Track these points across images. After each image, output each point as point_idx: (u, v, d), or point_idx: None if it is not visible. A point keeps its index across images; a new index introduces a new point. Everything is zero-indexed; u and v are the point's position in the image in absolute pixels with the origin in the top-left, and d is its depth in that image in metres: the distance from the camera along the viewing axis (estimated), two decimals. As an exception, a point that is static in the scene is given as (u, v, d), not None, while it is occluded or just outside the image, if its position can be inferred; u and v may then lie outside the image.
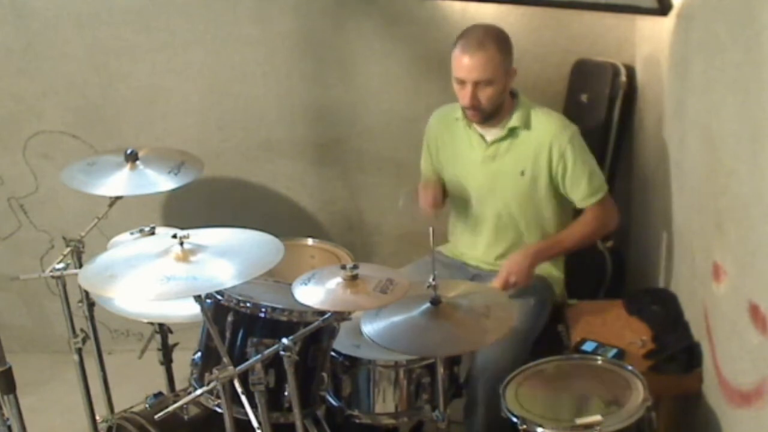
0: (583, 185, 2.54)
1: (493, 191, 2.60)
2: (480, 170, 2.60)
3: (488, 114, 2.49)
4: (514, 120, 2.53)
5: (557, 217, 2.64)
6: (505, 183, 2.58)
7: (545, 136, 2.51)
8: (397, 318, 2.05)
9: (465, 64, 2.41)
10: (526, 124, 2.53)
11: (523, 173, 2.54)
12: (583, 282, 3.00)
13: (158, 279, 1.80)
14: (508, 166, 2.56)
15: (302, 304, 1.96)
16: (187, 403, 2.15)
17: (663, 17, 2.61)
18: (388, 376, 2.29)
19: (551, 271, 2.68)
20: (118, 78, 3.30)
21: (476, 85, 2.42)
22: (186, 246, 1.88)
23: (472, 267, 2.72)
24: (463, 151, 2.64)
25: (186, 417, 2.31)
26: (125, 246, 2.17)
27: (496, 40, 2.42)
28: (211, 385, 1.88)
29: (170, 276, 1.81)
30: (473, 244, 2.71)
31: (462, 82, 2.44)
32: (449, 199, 2.76)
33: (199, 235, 1.94)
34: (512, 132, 2.54)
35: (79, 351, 2.54)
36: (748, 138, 1.84)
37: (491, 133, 2.57)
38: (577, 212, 2.67)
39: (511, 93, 2.56)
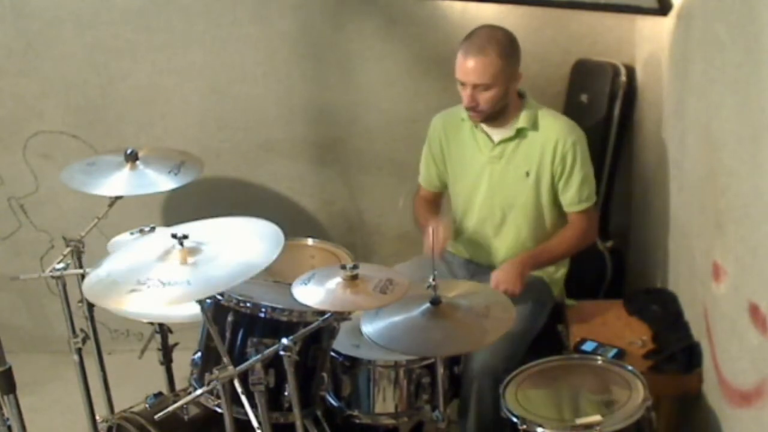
0: (573, 189, 2.54)
1: (497, 192, 2.60)
2: (485, 170, 2.60)
3: (488, 115, 2.49)
4: (522, 121, 2.52)
5: (557, 224, 2.63)
6: (509, 184, 2.57)
7: (551, 136, 2.51)
8: (397, 318, 2.05)
9: (465, 67, 2.42)
10: (534, 125, 2.53)
11: (528, 174, 2.54)
12: (583, 282, 3.00)
13: (159, 284, 1.79)
14: (513, 166, 2.56)
15: (302, 304, 1.96)
16: (187, 403, 2.15)
17: (663, 17, 2.61)
18: (388, 376, 2.29)
19: (551, 271, 2.68)
20: (118, 78, 3.29)
21: (475, 87, 2.42)
22: (186, 246, 1.87)
23: (473, 265, 2.72)
24: (468, 151, 2.63)
25: (186, 417, 2.31)
26: (125, 251, 2.15)
27: (499, 44, 2.41)
28: (211, 385, 1.88)
29: (169, 281, 1.80)
30: (474, 245, 2.70)
31: (463, 84, 2.45)
32: (453, 198, 2.75)
33: (198, 229, 1.93)
34: (520, 132, 2.53)
35: (79, 351, 2.53)
36: (748, 138, 1.83)
37: (498, 133, 2.57)
38: None
39: (519, 94, 2.56)
